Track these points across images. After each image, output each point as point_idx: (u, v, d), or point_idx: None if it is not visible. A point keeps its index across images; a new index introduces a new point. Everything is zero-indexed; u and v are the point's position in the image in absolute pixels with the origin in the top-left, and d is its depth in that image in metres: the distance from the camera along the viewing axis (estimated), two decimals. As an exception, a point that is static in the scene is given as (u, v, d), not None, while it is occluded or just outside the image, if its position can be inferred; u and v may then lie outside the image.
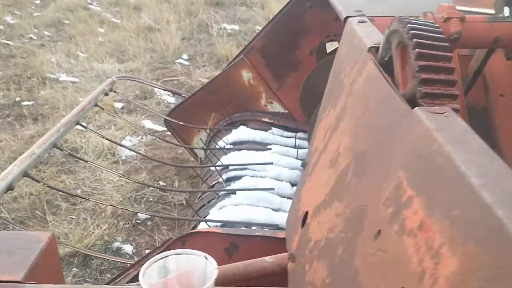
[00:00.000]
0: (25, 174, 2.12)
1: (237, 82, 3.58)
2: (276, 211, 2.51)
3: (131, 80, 4.47)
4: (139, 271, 1.68)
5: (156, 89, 5.80)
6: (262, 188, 2.59)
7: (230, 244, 1.73)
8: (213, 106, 3.67)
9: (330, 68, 3.11)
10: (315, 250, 1.23)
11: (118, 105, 5.53)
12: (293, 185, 2.80)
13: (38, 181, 2.17)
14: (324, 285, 1.09)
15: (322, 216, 1.28)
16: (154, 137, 4.94)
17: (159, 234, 3.69)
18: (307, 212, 1.44)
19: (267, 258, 1.48)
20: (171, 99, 5.74)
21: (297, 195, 1.62)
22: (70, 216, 3.81)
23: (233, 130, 3.39)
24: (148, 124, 5.13)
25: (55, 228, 3.62)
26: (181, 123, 3.52)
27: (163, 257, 1.30)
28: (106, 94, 3.15)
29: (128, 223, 3.71)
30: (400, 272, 0.78)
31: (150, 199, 4.06)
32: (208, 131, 3.64)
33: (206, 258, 1.31)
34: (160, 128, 5.07)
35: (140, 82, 3.96)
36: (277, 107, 3.65)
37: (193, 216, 2.51)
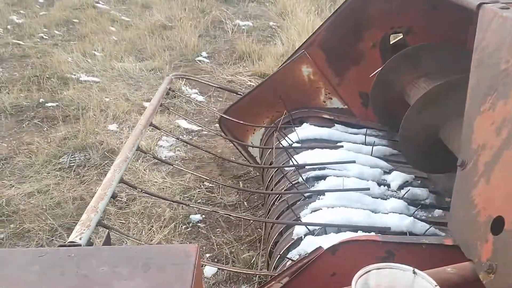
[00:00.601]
0: (121, 180, 1.95)
1: (296, 77, 3.43)
2: (374, 212, 2.37)
3: (188, 78, 4.28)
4: (281, 285, 1.53)
5: (183, 87, 5.63)
6: (357, 188, 2.44)
7: (386, 252, 1.58)
8: (270, 104, 3.52)
9: (407, 61, 3.00)
10: (546, 260, 1.10)
11: (147, 104, 5.34)
12: (379, 184, 2.67)
13: (135, 188, 2.00)
14: None
15: (542, 221, 1.15)
16: (190, 137, 4.78)
17: (214, 237, 3.53)
18: (499, 217, 1.30)
19: (448, 268, 1.34)
20: (200, 98, 5.57)
21: (463, 197, 1.48)
22: (119, 221, 3.63)
23: (296, 128, 3.24)
24: (183, 124, 4.95)
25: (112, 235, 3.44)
26: (241, 121, 3.35)
27: (366, 272, 1.15)
28: (167, 94, 2.96)
29: (183, 226, 3.54)
30: None
31: (198, 201, 3.89)
32: (266, 129, 3.49)
33: (414, 273, 1.16)
34: (196, 128, 4.90)
35: (195, 80, 3.78)
36: (336, 103, 3.51)
37: (292, 219, 2.35)
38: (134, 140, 2.15)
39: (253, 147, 3.45)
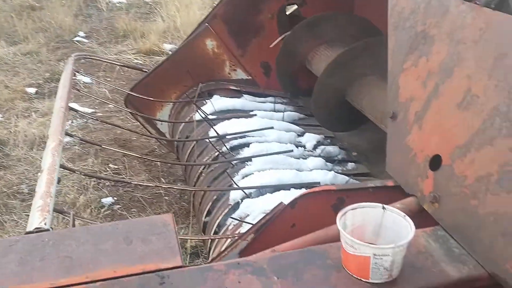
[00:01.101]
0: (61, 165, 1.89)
1: (201, 51, 3.48)
2: (299, 171, 2.56)
3: (91, 58, 4.05)
4: (247, 242, 1.65)
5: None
6: (283, 151, 2.61)
7: (337, 200, 1.76)
8: (176, 79, 3.53)
9: (307, 31, 3.22)
10: (484, 185, 1.34)
11: (31, 90, 4.97)
12: (296, 146, 2.87)
13: (74, 171, 1.94)
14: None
15: (476, 154, 1.39)
16: (85, 120, 4.57)
17: (133, 217, 3.48)
18: (436, 156, 1.54)
19: (397, 204, 1.56)
20: (87, 79, 5.31)
21: (398, 144, 1.70)
22: (26, 213, 3.41)
23: (209, 100, 3.31)
24: (75, 107, 4.70)
25: (14, 229, 3.23)
26: (150, 98, 3.32)
27: (343, 214, 1.31)
28: (74, 75, 2.83)
29: (97, 210, 3.44)
30: None
31: (107, 183, 3.78)
32: (174, 104, 3.50)
33: (384, 208, 1.34)
34: (90, 110, 4.70)
35: (99, 60, 3.61)
36: (240, 74, 3.63)
37: (229, 186, 2.44)
38: (59, 123, 2.06)
39: (170, 122, 3.45)
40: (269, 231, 1.72)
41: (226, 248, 1.72)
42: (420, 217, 1.50)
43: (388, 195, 1.69)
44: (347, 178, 2.55)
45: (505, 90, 1.36)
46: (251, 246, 1.71)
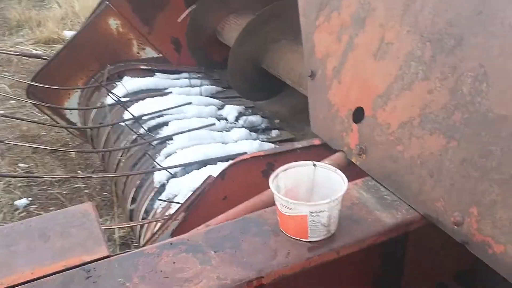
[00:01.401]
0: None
1: (104, 32, 3.28)
2: (224, 143, 2.50)
3: None
4: (178, 221, 1.57)
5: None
6: (204, 125, 2.53)
7: (266, 165, 1.71)
8: (81, 64, 3.31)
9: (214, 2, 3.12)
10: (407, 129, 1.35)
11: None
12: (218, 119, 2.80)
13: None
14: (449, 149, 1.23)
15: (396, 101, 1.39)
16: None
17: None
18: (358, 108, 1.53)
19: (325, 160, 1.54)
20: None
21: (319, 101, 1.67)
22: None
23: (118, 83, 3.13)
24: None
25: None
26: (56, 87, 3.09)
27: (275, 176, 1.27)
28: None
29: (11, 214, 3.18)
30: None
31: (19, 185, 3.50)
32: (82, 91, 3.28)
33: (314, 165, 1.31)
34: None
35: None
36: (150, 53, 3.48)
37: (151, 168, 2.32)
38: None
39: (79, 109, 3.23)
40: (200, 207, 1.65)
41: (157, 232, 1.63)
42: (350, 171, 1.49)
43: (316, 153, 1.67)
44: (273, 145, 2.52)
45: (417, 34, 1.37)
46: (183, 225, 1.63)
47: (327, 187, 1.28)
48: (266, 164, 1.69)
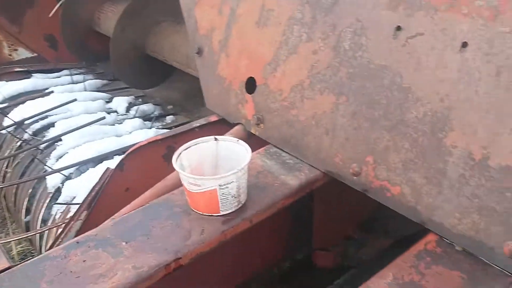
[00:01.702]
0: None
1: (-34, 36, 2.97)
2: (118, 136, 2.41)
3: None
4: (81, 221, 1.50)
5: None
6: (93, 121, 2.41)
7: (166, 148, 1.66)
8: None
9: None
10: (299, 92, 1.38)
11: None
12: (108, 113, 2.68)
13: None
14: (339, 105, 1.29)
15: (285, 66, 1.42)
16: None
17: None
18: (249, 78, 1.54)
19: (227, 134, 1.53)
20: None
21: (211, 77, 1.65)
22: None
23: (-10, 90, 2.86)
24: None
25: None
26: None
27: (178, 156, 1.24)
28: None
29: None
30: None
31: None
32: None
33: (216, 139, 1.31)
34: None
35: None
36: (23, 53, 3.23)
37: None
38: None
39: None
40: (102, 203, 1.57)
41: (59, 236, 1.52)
42: (251, 142, 1.50)
43: (215, 129, 1.67)
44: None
45: (298, -2, 1.40)
46: (87, 224, 1.55)
47: (232, 159, 1.28)
48: (166, 147, 1.66)
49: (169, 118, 2.73)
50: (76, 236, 1.54)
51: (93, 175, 2.07)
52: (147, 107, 2.78)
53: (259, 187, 1.31)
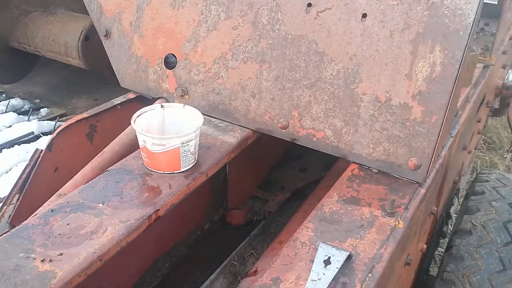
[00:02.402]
0: None
1: None
2: (-2, 132, 2.28)
3: None
4: (14, 204, 1.51)
5: None
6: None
7: (89, 127, 1.67)
8: None
9: None
10: (222, 64, 1.57)
11: None
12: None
13: None
14: (263, 71, 1.53)
15: (206, 42, 1.59)
16: None
17: None
18: (168, 55, 1.67)
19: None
20: None
21: (124, 58, 1.71)
22: None
23: None
24: None
25: None
26: None
27: (134, 122, 1.35)
28: None
29: None
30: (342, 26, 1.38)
31: None
32: None
33: (162, 106, 1.43)
34: None
35: None
36: None
37: None
38: None
39: None
40: (33, 184, 1.55)
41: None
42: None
43: (135, 106, 1.76)
44: (52, 122, 2.41)
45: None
46: (20, 207, 1.52)
47: (178, 123, 1.42)
48: (89, 126, 1.69)
49: (43, 111, 2.64)
50: (9, 221, 1.50)
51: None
52: (16, 102, 2.64)
53: (205, 146, 1.47)
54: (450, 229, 2.31)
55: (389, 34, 1.36)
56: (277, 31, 1.51)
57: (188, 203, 1.55)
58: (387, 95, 1.37)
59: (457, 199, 2.45)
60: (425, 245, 1.71)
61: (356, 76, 1.40)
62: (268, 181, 2.25)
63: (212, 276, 1.78)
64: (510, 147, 3.81)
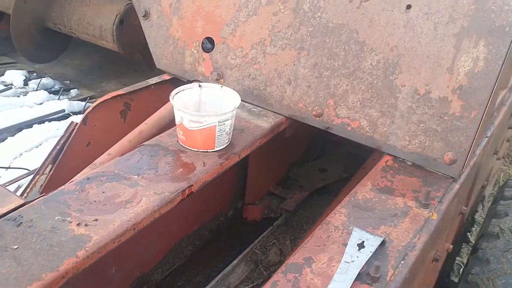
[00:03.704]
0: None
1: None
2: (31, 107, 2.31)
3: None
4: (46, 175, 1.52)
5: None
6: None
7: (124, 105, 1.69)
8: None
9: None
10: (260, 49, 1.58)
11: None
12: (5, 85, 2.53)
13: None
14: (300, 58, 1.53)
15: (245, 27, 1.60)
16: None
17: None
18: (206, 38, 1.68)
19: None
20: None
21: (161, 38, 1.72)
22: None
23: None
24: None
25: None
26: None
27: (172, 99, 1.35)
28: None
29: None
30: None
31: None
32: None
33: (200, 86, 1.44)
34: None
35: None
36: None
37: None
38: None
39: None
40: (66, 156, 1.57)
41: (21, 194, 1.49)
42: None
43: (170, 87, 1.77)
44: (82, 103, 2.44)
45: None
46: (52, 178, 1.54)
47: (214, 104, 1.43)
48: (124, 104, 1.71)
49: (73, 92, 2.68)
50: (40, 191, 1.52)
51: (14, 143, 1.99)
52: (46, 81, 2.68)
53: (238, 129, 1.47)
54: (473, 235, 2.28)
55: (433, 27, 1.35)
56: (318, 18, 1.50)
57: (214, 186, 1.56)
58: (427, 87, 1.36)
59: (481, 206, 2.42)
60: (451, 246, 1.69)
61: (396, 67, 1.39)
62: (287, 179, 2.25)
63: (234, 262, 1.78)
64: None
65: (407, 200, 1.25)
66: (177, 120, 1.33)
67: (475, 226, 2.27)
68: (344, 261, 1.02)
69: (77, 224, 1.05)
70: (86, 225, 1.05)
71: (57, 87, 2.68)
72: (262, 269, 1.83)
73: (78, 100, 2.49)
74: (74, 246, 0.99)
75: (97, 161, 1.41)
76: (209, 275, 1.78)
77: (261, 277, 1.81)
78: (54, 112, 2.19)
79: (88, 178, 1.20)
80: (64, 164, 1.56)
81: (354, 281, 0.98)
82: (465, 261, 2.48)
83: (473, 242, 2.24)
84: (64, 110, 2.25)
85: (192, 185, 1.23)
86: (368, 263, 1.02)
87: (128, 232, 1.08)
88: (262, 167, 2.01)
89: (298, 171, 2.33)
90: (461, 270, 2.53)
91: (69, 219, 1.06)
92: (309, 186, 2.23)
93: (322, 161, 2.42)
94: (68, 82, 2.85)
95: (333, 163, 2.37)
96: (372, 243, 1.07)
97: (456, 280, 2.24)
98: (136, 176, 1.22)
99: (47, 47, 2.74)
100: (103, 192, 1.16)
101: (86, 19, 2.48)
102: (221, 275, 1.71)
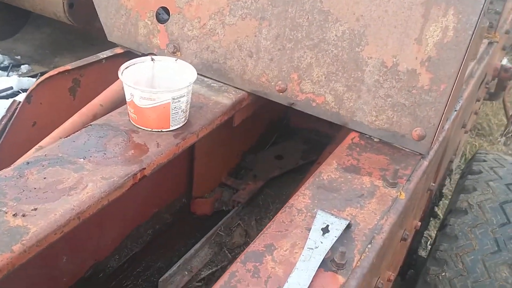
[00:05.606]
0: None
1: None
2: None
3: None
4: None
5: None
6: None
7: (73, 81, 1.56)
8: None
9: None
10: (219, 20, 1.46)
11: None
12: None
13: None
14: (262, 29, 1.43)
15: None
16: None
17: None
18: (161, 8, 1.56)
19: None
20: None
21: (112, 9, 1.59)
22: None
23: None
24: None
25: None
26: None
27: (121, 74, 1.24)
28: None
29: None
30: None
31: None
32: None
33: (152, 60, 1.33)
34: None
35: None
36: None
37: None
38: None
39: None
40: (9, 138, 1.45)
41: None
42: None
43: (122, 61, 1.63)
44: (33, 79, 2.29)
45: None
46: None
47: (168, 78, 1.32)
48: (72, 80, 1.58)
49: (24, 68, 2.51)
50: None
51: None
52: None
53: (196, 106, 1.37)
54: (440, 209, 2.27)
55: (400, -6, 1.27)
56: (279, -14, 1.40)
57: (173, 167, 1.47)
58: (394, 60, 1.28)
59: (449, 179, 2.40)
60: (419, 223, 1.65)
61: (362, 38, 1.31)
62: (240, 168, 2.14)
63: (197, 246, 1.70)
64: (504, 131, 3.78)
65: (374, 179, 1.19)
66: (127, 97, 1.23)
67: (443, 199, 2.25)
68: (308, 247, 0.95)
69: (13, 215, 0.95)
70: (23, 215, 0.95)
71: (6, 63, 2.50)
72: (226, 251, 1.76)
73: (29, 76, 2.34)
74: (8, 239, 0.89)
75: (42, 143, 1.30)
76: (171, 259, 1.70)
77: (226, 259, 1.74)
78: (1, 90, 2.04)
79: (28, 163, 1.09)
80: (7, 146, 1.44)
81: (318, 269, 0.91)
82: (433, 235, 2.47)
83: (441, 216, 2.22)
84: (12, 88, 2.10)
85: (145, 168, 1.14)
86: (333, 248, 0.96)
87: (72, 222, 0.98)
88: (211, 156, 1.89)
89: (252, 159, 2.20)
90: (429, 243, 2.52)
91: (4, 209, 0.96)
92: (263, 175, 2.12)
93: (278, 148, 2.30)
94: (18, 57, 2.67)
95: (290, 149, 2.26)
96: (337, 227, 1.00)
97: (424, 254, 2.23)
98: (82, 160, 1.12)
99: (5, 24, 2.55)
100: (44, 178, 1.05)
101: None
102: (183, 260, 1.63)
